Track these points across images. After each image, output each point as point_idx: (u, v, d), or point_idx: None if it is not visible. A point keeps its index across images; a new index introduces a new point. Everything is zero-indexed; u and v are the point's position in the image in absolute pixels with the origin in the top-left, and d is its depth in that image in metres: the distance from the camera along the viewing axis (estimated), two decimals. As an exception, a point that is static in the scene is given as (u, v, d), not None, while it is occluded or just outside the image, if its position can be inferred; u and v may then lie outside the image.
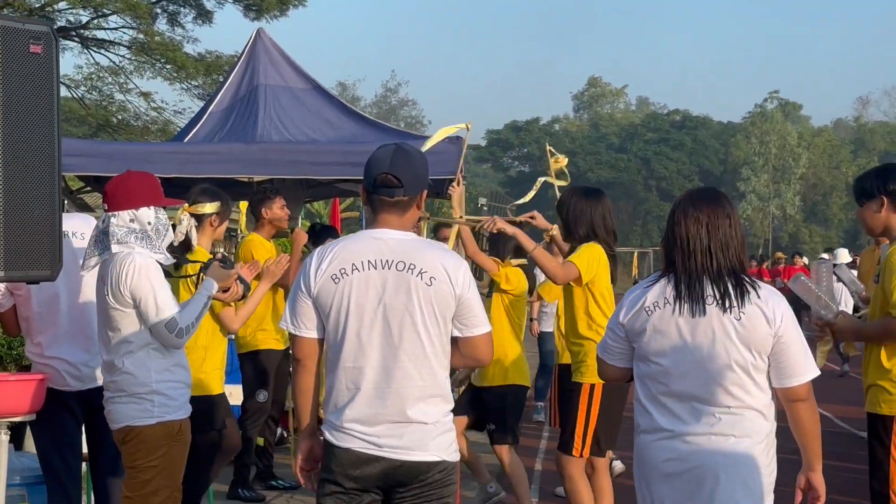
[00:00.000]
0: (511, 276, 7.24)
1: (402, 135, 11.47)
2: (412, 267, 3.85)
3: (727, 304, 3.90)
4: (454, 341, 3.98)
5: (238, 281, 5.95)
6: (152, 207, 5.01)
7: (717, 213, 3.99)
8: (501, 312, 7.23)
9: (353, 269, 3.85)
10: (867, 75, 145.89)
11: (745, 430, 3.92)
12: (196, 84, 27.49)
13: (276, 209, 8.09)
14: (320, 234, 9.99)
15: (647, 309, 3.97)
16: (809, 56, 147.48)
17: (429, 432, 3.86)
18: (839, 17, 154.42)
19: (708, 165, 77.86)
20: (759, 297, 3.92)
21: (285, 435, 9.70)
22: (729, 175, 76.21)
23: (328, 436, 3.89)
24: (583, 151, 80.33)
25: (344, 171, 9.72)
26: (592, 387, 6.15)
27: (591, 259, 6.17)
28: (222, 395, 6.48)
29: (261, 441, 8.20)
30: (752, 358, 3.90)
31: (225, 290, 5.79)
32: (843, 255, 20.95)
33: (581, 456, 6.26)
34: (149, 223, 4.99)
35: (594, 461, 6.51)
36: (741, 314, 3.89)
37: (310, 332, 3.93)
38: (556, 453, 6.43)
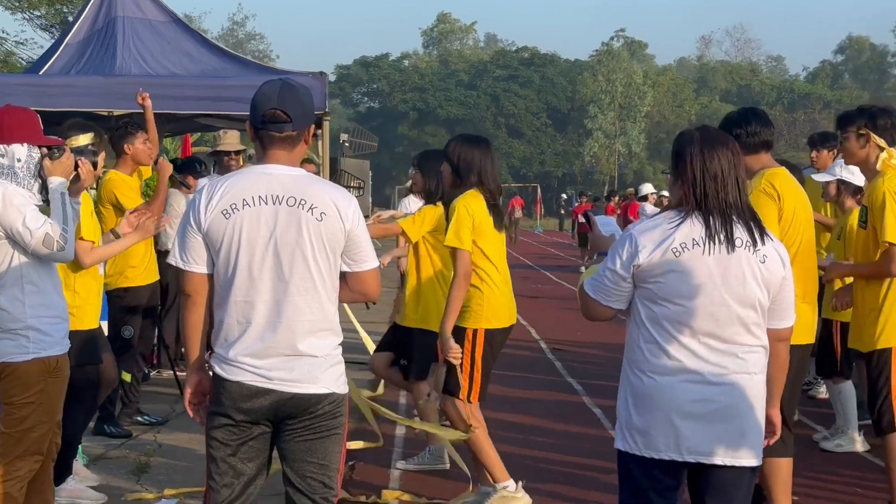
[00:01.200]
0: (427, 217, 7.08)
1: (263, 69, 11.38)
2: (303, 202, 3.87)
3: (755, 244, 3.94)
4: (342, 276, 4.04)
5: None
6: (26, 145, 4.90)
7: (736, 151, 4.02)
8: (426, 257, 7.18)
9: (243, 205, 3.86)
10: (710, 15, 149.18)
11: (760, 366, 4.00)
12: (39, 14, 26.62)
13: (139, 144, 7.95)
14: (182, 168, 9.90)
15: (675, 250, 3.87)
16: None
17: (319, 365, 3.91)
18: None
19: (556, 103, 78.81)
20: (772, 238, 4.01)
21: (150, 371, 9.64)
22: (576, 113, 77.28)
23: (218, 369, 3.91)
24: (433, 88, 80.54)
25: (205, 106, 9.61)
26: (475, 332, 6.28)
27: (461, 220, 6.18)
28: (98, 329, 6.42)
29: (127, 377, 8.14)
30: (767, 298, 3.97)
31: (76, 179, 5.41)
32: (647, 188, 23.59)
33: (469, 401, 6.33)
34: (18, 160, 4.87)
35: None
36: (764, 256, 3.94)
37: (199, 267, 3.94)
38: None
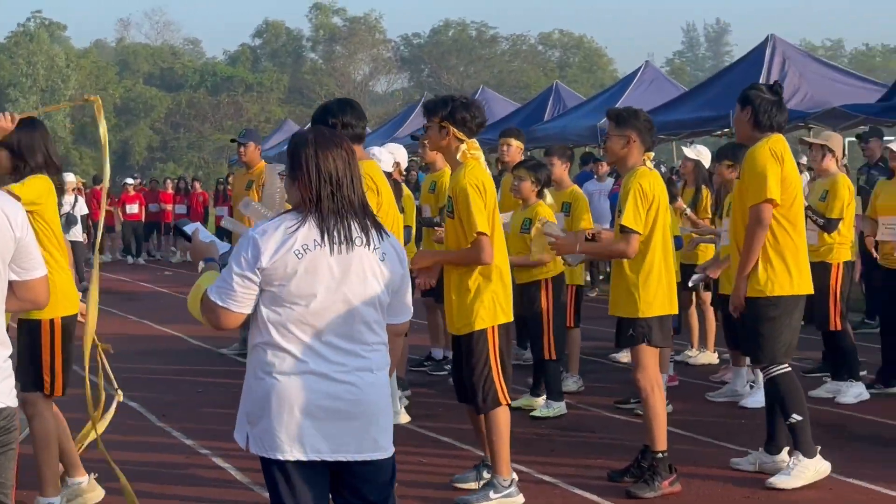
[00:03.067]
0: None
1: None
2: None
3: (372, 243, 4.03)
4: (10, 286, 3.85)
5: None
6: None
7: (350, 151, 4.09)
8: None
9: None
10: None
11: (384, 363, 4.10)
12: None
13: None
14: None
15: (297, 251, 3.91)
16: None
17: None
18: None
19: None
20: (388, 235, 4.12)
21: None
22: (-4, 96, 73.54)
23: None
24: None
25: None
26: (52, 321, 6.06)
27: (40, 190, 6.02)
28: None
29: None
30: (387, 296, 4.08)
31: None
32: (69, 177, 22.95)
33: (52, 394, 6.13)
34: None
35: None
36: (384, 254, 4.04)
37: None
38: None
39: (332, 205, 3.97)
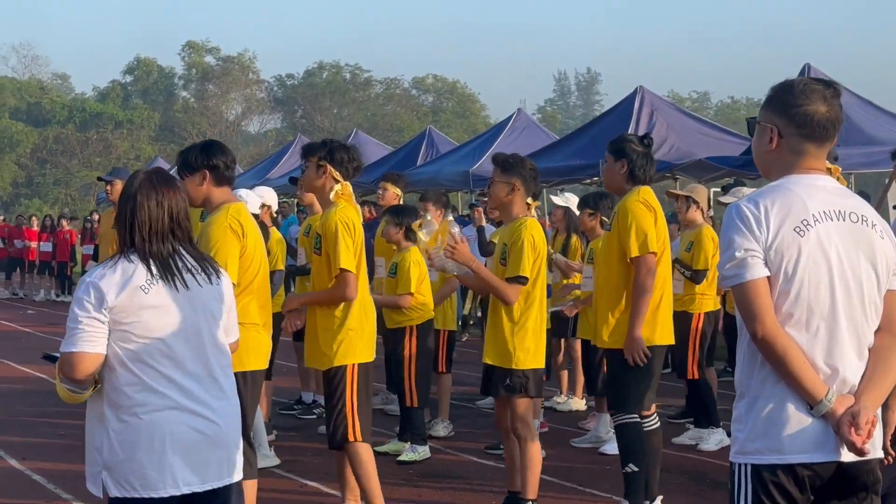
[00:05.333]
0: None
1: None
2: None
3: (210, 276, 4.18)
4: None
5: None
6: None
7: (176, 192, 4.20)
8: None
9: None
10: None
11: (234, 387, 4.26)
12: None
13: None
14: None
15: (142, 287, 4.01)
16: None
17: None
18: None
19: None
20: (217, 266, 4.29)
21: None
22: None
23: None
24: None
25: None
26: None
27: None
28: None
29: None
30: (229, 321, 4.25)
31: None
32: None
33: None
34: None
35: None
36: (218, 283, 4.21)
37: None
38: None
39: (159, 244, 4.07)
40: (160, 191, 4.14)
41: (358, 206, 6.64)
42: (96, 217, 26.51)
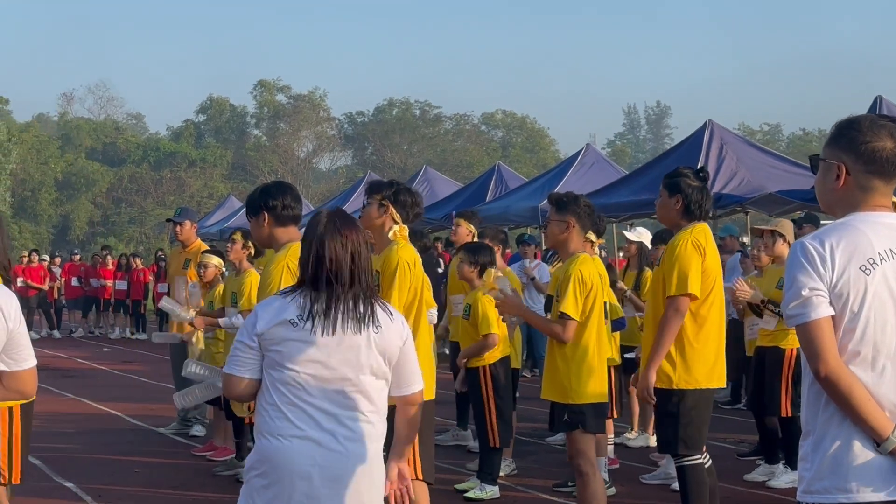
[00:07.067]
0: None
1: None
2: None
3: (367, 315, 4.22)
4: None
5: None
6: None
7: (358, 235, 4.29)
8: None
9: None
10: (71, 71, 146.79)
11: (378, 433, 4.30)
12: None
13: None
14: None
15: (292, 321, 4.14)
16: (15, 50, 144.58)
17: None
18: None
19: None
20: (388, 308, 4.35)
21: None
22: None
23: None
24: None
25: None
26: (11, 409, 5.95)
27: None
28: None
29: None
30: (385, 365, 4.28)
31: None
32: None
33: (10, 483, 5.94)
34: None
35: None
36: (378, 325, 4.24)
37: None
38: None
39: (330, 279, 4.17)
40: (342, 232, 4.25)
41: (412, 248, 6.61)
42: (162, 255, 26.92)
